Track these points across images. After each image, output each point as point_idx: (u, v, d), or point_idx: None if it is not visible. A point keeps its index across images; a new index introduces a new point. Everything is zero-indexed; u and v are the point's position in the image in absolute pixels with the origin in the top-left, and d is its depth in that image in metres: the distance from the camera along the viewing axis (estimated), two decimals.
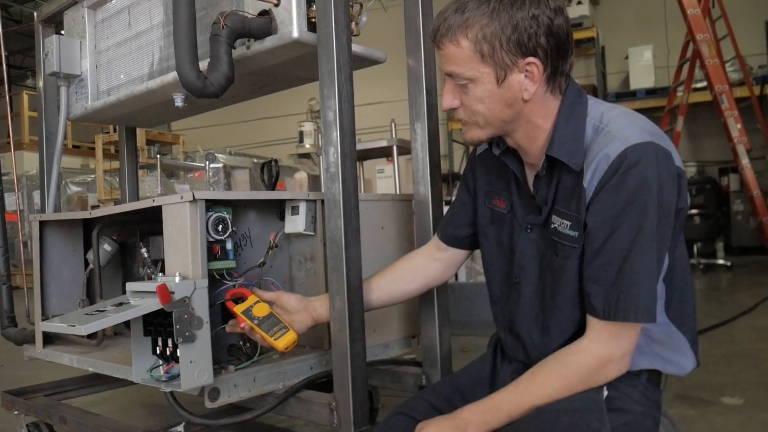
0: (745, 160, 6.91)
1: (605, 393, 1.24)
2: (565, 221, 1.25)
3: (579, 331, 1.26)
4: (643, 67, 9.49)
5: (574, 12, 9.67)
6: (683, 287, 1.30)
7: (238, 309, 1.56)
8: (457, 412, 1.29)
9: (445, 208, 1.91)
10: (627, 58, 9.70)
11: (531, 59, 1.21)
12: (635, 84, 9.53)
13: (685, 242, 1.31)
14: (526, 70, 1.22)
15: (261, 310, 1.56)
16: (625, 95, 9.61)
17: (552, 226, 1.28)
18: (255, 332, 1.54)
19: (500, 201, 1.44)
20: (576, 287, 1.26)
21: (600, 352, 1.21)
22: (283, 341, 1.52)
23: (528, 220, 1.36)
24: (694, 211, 7.65)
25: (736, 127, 7.04)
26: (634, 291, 1.16)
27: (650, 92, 9.38)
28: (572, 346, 1.24)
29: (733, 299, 5.38)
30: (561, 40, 1.22)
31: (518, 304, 1.38)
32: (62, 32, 2.51)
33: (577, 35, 9.71)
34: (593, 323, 1.21)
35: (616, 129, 1.20)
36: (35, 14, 2.65)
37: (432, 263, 1.64)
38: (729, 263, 7.35)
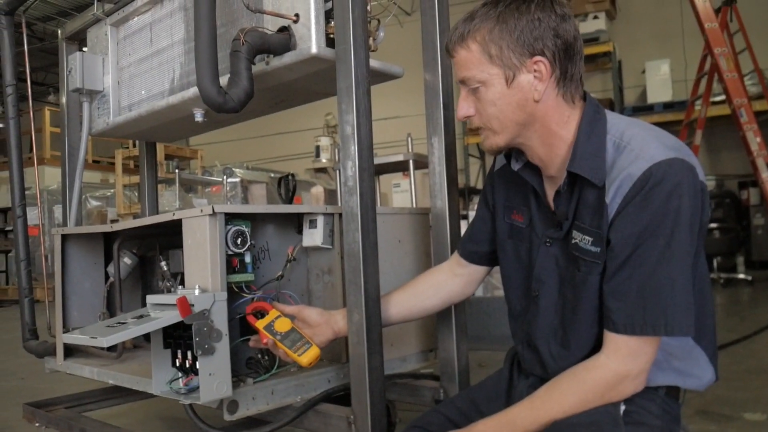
0: (765, 174, 6.83)
1: (623, 407, 1.23)
2: (587, 237, 1.25)
3: (598, 346, 1.25)
4: (660, 81, 9.44)
5: (590, 26, 9.66)
6: (702, 301, 1.28)
7: (260, 324, 1.58)
8: (471, 427, 1.30)
9: (462, 222, 1.92)
10: (644, 72, 9.66)
11: (538, 58, 1.23)
12: (652, 98, 9.48)
13: (705, 256, 1.30)
14: (535, 70, 1.24)
15: (283, 326, 1.58)
16: (642, 109, 9.55)
17: (573, 241, 1.28)
18: (278, 348, 1.56)
19: (519, 215, 1.44)
20: (597, 302, 1.25)
21: (617, 368, 1.20)
22: (306, 357, 1.54)
23: (547, 234, 1.36)
24: (713, 225, 7.57)
25: (755, 141, 6.97)
26: (663, 304, 1.16)
27: (668, 106, 9.32)
28: (589, 362, 1.24)
29: (754, 314, 5.31)
30: (568, 42, 1.24)
31: (536, 318, 1.38)
32: (85, 49, 2.56)
33: (594, 49, 9.69)
34: (611, 338, 1.21)
35: (639, 147, 1.20)
36: (59, 32, 2.70)
37: (453, 279, 1.65)
38: (749, 278, 7.26)
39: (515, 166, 1.41)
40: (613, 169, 1.22)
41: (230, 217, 1.63)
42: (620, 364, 1.20)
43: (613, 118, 1.29)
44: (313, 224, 1.80)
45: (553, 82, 1.26)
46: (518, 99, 1.26)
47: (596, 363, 1.22)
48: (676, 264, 1.16)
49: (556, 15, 1.23)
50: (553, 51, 1.23)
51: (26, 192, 2.67)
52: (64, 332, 2.20)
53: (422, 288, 1.66)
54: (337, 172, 5.72)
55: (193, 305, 1.48)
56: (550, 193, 1.36)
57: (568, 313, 1.31)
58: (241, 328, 1.72)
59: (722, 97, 7.93)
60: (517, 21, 1.23)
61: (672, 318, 1.16)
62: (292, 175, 2.54)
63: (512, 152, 1.41)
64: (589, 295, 1.26)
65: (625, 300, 1.18)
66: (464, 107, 1.32)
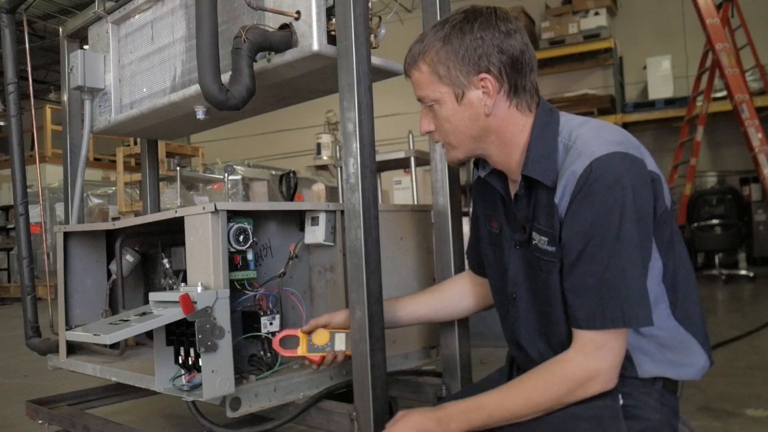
0: (766, 170, 6.83)
1: (621, 401, 1.24)
2: (543, 237, 1.28)
3: None
4: (661, 77, 9.43)
5: (591, 23, 9.64)
6: (687, 288, 1.30)
7: (301, 352, 1.59)
8: (441, 406, 1.33)
9: (464, 219, 1.92)
10: (645, 68, 9.65)
11: (483, 75, 1.29)
12: (654, 94, 9.47)
13: (683, 243, 1.32)
14: (482, 86, 1.30)
15: (321, 338, 1.60)
16: (643, 105, 9.55)
17: (534, 242, 1.32)
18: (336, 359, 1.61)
19: (494, 222, 1.49)
20: (563, 300, 1.28)
21: (586, 364, 1.21)
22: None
23: (515, 238, 1.40)
24: (715, 221, 7.55)
25: (756, 137, 6.97)
26: (619, 297, 1.17)
27: (669, 102, 9.31)
28: (560, 356, 1.25)
29: (756, 310, 5.31)
30: (514, 57, 1.29)
31: (518, 320, 1.41)
32: (86, 47, 2.56)
33: (595, 46, 9.68)
34: (577, 335, 1.23)
35: (582, 145, 1.23)
36: (60, 30, 2.70)
37: (473, 288, 1.68)
38: (751, 274, 7.25)
39: (482, 173, 1.46)
40: (562, 169, 1.25)
41: (232, 215, 1.63)
42: (589, 360, 1.21)
43: (566, 120, 1.33)
44: (315, 221, 1.80)
45: (502, 96, 1.31)
46: (470, 114, 1.32)
47: (566, 358, 1.24)
48: (626, 256, 1.17)
49: (499, 32, 1.28)
50: (499, 67, 1.28)
51: (28, 190, 2.67)
52: (66, 330, 2.21)
53: (448, 294, 1.69)
54: (339, 169, 5.71)
55: (195, 302, 1.48)
56: None
57: (544, 313, 1.34)
58: (244, 325, 1.72)
59: (723, 93, 7.93)
60: (461, 41, 1.29)
61: (628, 310, 1.17)
62: (294, 172, 2.54)
63: (479, 161, 1.46)
64: (555, 293, 1.28)
65: (583, 296, 1.20)
66: (425, 123, 1.40)
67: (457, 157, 1.40)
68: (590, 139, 1.23)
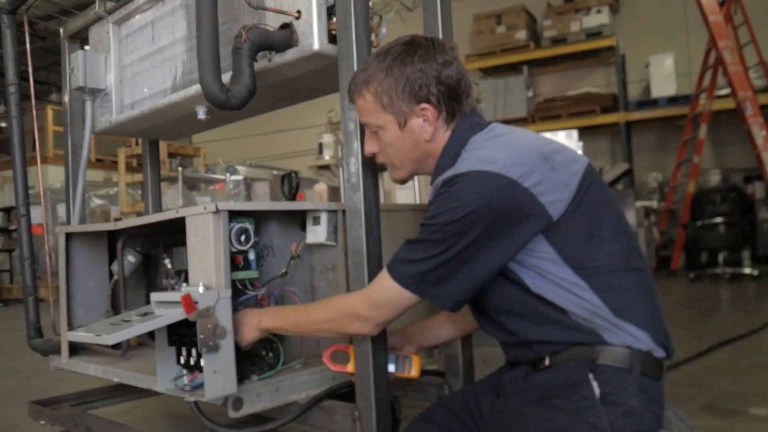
0: None
1: (598, 391, 1.24)
2: None
3: (518, 311, 1.34)
4: (664, 75, 9.41)
5: (593, 21, 9.63)
6: (616, 283, 1.28)
7: (351, 369, 1.61)
8: (265, 309, 1.62)
9: None
10: (648, 66, 9.62)
11: (424, 105, 1.39)
12: (657, 92, 9.45)
13: (624, 240, 1.32)
14: (423, 115, 1.40)
15: None
16: (646, 104, 9.53)
17: None
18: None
19: None
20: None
21: (359, 308, 1.39)
22: (415, 369, 1.63)
23: None
24: (718, 219, 7.52)
25: (760, 134, 6.95)
26: (422, 269, 1.29)
27: (672, 100, 9.29)
28: (352, 292, 1.48)
29: (760, 309, 5.30)
30: (451, 87, 1.40)
31: None
32: (87, 47, 2.56)
33: (597, 44, 9.67)
34: (378, 276, 1.38)
35: (462, 160, 1.34)
36: (61, 30, 2.70)
37: None
38: (755, 272, 7.22)
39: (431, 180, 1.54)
40: None
41: (234, 215, 1.63)
42: (364, 306, 1.38)
43: (482, 134, 1.39)
44: (316, 221, 1.80)
45: (441, 122, 1.41)
46: (411, 140, 1.43)
47: (353, 294, 1.47)
48: (448, 252, 1.26)
49: (437, 63, 1.38)
50: (438, 96, 1.39)
51: (30, 191, 2.67)
52: (68, 330, 2.20)
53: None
54: (340, 168, 5.72)
55: (197, 302, 1.48)
56: None
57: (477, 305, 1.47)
58: None
59: (727, 91, 7.92)
60: (402, 73, 1.38)
61: (405, 273, 1.31)
62: (295, 172, 2.54)
63: None
64: None
65: (405, 251, 1.33)
66: (369, 146, 1.50)
67: (401, 176, 1.51)
68: (471, 155, 1.33)
